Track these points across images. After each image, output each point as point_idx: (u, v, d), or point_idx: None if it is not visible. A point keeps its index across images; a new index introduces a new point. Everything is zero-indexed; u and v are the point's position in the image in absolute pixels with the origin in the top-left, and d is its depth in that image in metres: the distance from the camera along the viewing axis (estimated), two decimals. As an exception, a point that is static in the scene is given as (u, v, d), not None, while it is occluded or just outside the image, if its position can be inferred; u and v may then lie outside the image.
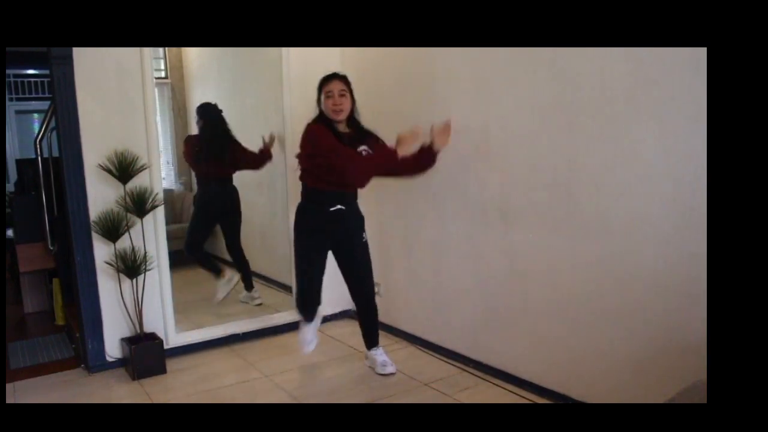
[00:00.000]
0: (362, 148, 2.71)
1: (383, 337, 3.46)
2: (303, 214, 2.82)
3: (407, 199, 3.31)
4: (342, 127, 2.73)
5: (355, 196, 2.88)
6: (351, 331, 3.64)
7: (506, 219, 2.71)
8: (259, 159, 3.86)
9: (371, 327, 3.02)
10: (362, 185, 2.79)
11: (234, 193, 4.05)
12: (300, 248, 2.85)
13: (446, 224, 3.06)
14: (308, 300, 2.93)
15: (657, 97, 2.06)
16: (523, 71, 2.54)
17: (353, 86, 2.79)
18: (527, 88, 2.53)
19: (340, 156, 2.60)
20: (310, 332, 3.00)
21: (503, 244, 2.74)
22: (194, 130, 5.44)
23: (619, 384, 2.31)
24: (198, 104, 4.13)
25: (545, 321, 2.58)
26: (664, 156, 2.06)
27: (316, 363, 3.17)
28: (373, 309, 3.00)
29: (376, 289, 3.63)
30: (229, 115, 3.97)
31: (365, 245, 2.90)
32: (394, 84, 3.29)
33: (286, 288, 3.72)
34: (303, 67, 3.53)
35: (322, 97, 2.70)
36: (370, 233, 3.64)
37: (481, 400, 2.64)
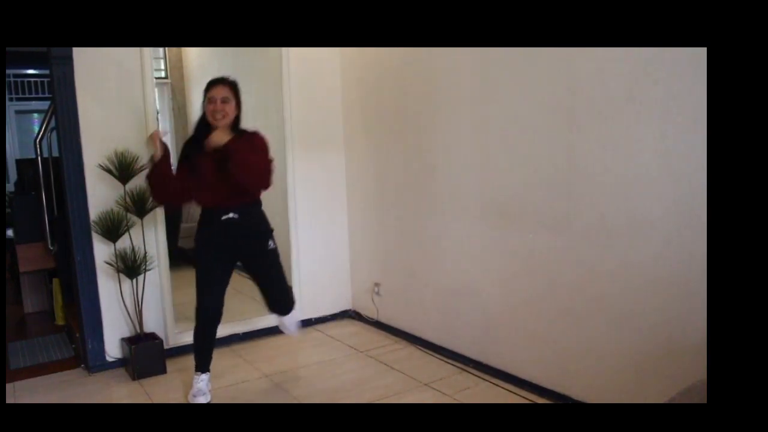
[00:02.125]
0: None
1: (384, 338, 3.47)
2: (199, 225, 2.68)
3: (407, 199, 3.31)
4: (222, 135, 2.51)
5: (252, 203, 2.67)
6: (351, 331, 3.65)
7: (506, 219, 2.71)
8: None
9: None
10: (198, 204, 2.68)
11: None
12: (199, 261, 2.66)
13: (446, 224, 3.06)
14: (206, 323, 2.66)
15: (657, 97, 2.06)
16: (524, 71, 2.54)
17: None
18: (527, 88, 2.53)
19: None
20: (204, 382, 2.70)
21: (503, 244, 2.74)
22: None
23: (619, 384, 2.31)
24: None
25: (545, 321, 2.58)
26: (664, 156, 2.06)
27: (316, 363, 3.17)
28: (287, 313, 2.93)
29: (375, 289, 3.65)
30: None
31: (273, 252, 2.72)
32: (394, 84, 3.30)
33: (286, 288, 3.72)
34: (303, 67, 3.54)
35: (204, 102, 2.58)
36: (371, 233, 3.66)
37: (481, 400, 2.64)
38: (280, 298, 2.86)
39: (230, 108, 2.56)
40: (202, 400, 2.66)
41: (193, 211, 5.23)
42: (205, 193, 2.61)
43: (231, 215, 2.59)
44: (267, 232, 2.72)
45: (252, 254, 2.71)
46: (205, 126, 2.60)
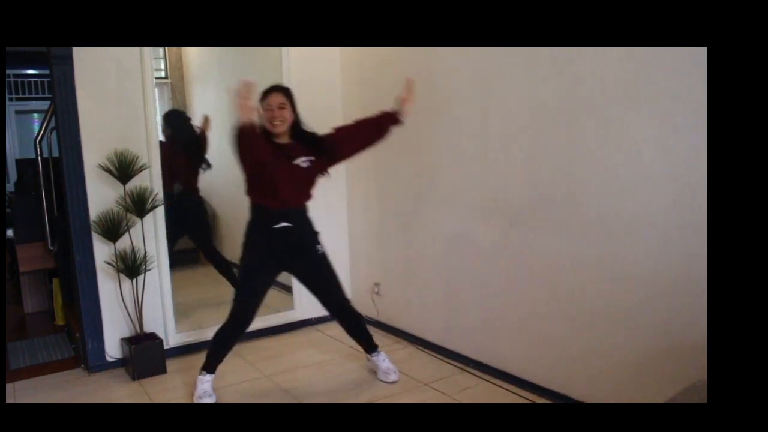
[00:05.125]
0: (302, 159, 2.58)
1: (384, 338, 3.46)
2: (250, 230, 2.67)
3: (407, 199, 3.31)
4: (283, 139, 2.60)
5: (303, 212, 2.69)
6: (351, 331, 3.65)
7: (506, 219, 2.70)
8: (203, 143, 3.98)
9: (359, 334, 2.92)
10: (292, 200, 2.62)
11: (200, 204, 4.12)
12: (244, 266, 2.67)
13: (446, 224, 3.06)
14: (237, 329, 2.69)
15: (657, 97, 2.06)
16: (523, 71, 2.54)
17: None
18: (527, 88, 2.53)
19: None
20: (209, 384, 2.72)
21: (503, 244, 2.74)
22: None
23: (619, 384, 2.31)
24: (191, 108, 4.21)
25: (545, 321, 2.58)
26: (664, 156, 2.06)
27: (316, 363, 3.17)
28: (352, 316, 2.90)
29: (375, 289, 3.65)
30: (229, 115, 3.97)
31: (323, 257, 2.74)
32: (394, 84, 3.28)
33: (286, 288, 3.72)
34: (303, 67, 3.53)
35: (261, 110, 2.56)
36: (371, 233, 3.66)
37: (481, 400, 2.64)
38: (338, 299, 2.83)
39: (287, 113, 2.57)
40: (209, 400, 2.67)
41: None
42: (271, 187, 2.57)
43: (284, 224, 2.59)
44: (315, 236, 2.74)
45: (304, 261, 2.72)
46: (265, 136, 2.58)
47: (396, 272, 3.49)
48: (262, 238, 2.63)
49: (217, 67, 5.09)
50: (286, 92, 2.60)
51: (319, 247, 2.73)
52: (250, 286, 2.65)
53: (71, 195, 2.95)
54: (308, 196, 2.69)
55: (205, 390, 2.68)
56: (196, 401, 2.67)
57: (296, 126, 2.62)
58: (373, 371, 2.97)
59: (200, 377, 2.71)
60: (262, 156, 2.50)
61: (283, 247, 2.63)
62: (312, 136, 2.64)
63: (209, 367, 2.71)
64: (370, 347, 2.93)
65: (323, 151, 2.63)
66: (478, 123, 2.79)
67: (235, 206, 4.34)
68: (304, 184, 2.64)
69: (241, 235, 2.70)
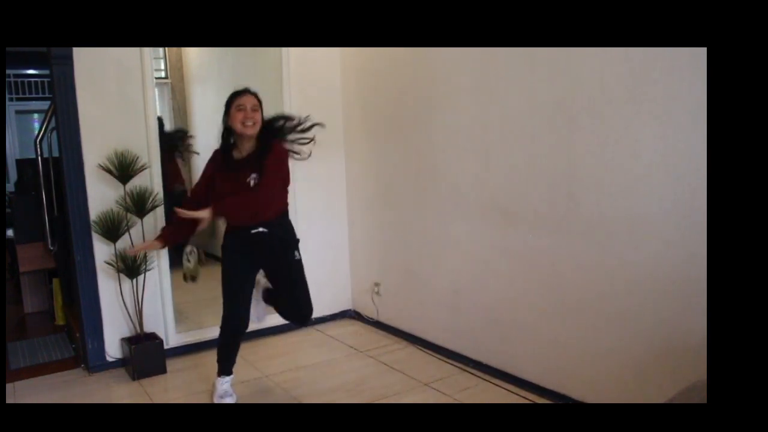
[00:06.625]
0: (252, 177, 2.51)
1: (384, 338, 3.47)
2: (227, 236, 2.66)
3: (407, 199, 3.31)
4: (248, 146, 2.55)
5: (279, 220, 2.64)
6: (351, 331, 3.65)
7: (506, 219, 2.71)
8: None
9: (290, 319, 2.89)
10: (240, 221, 2.58)
11: None
12: (226, 269, 2.65)
13: (446, 224, 3.06)
14: (235, 332, 2.68)
15: (657, 97, 2.06)
16: (523, 71, 2.54)
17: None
18: (527, 88, 2.53)
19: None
20: (228, 384, 2.73)
21: (503, 244, 2.74)
22: (194, 130, 5.46)
23: (619, 384, 2.31)
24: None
25: (545, 321, 2.58)
26: (664, 156, 2.06)
27: (316, 363, 3.17)
28: (299, 322, 2.95)
29: (375, 289, 3.65)
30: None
31: (297, 263, 2.69)
32: (394, 84, 3.30)
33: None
34: (303, 67, 3.53)
35: (231, 110, 2.51)
36: (371, 233, 3.66)
37: (481, 400, 2.64)
38: (298, 309, 2.78)
39: (259, 116, 2.54)
40: (230, 400, 2.70)
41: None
42: (232, 210, 2.55)
43: (260, 229, 2.57)
44: (293, 243, 2.70)
45: (278, 264, 2.70)
46: (229, 137, 2.58)
47: (396, 272, 3.49)
48: (236, 241, 2.62)
49: (217, 67, 5.09)
50: (257, 97, 2.57)
51: (296, 253, 2.69)
52: (232, 288, 2.64)
53: (71, 195, 2.95)
54: (278, 206, 2.62)
55: (225, 390, 2.71)
56: (216, 401, 2.69)
57: (264, 132, 2.56)
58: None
59: (219, 379, 2.72)
60: (199, 194, 2.60)
61: (258, 249, 2.61)
62: (263, 151, 2.54)
63: (224, 370, 2.72)
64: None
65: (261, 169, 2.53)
66: (478, 123, 2.79)
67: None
68: (262, 203, 2.53)
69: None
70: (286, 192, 2.66)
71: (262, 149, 2.53)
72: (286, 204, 2.69)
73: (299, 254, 2.71)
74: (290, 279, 2.69)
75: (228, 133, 2.58)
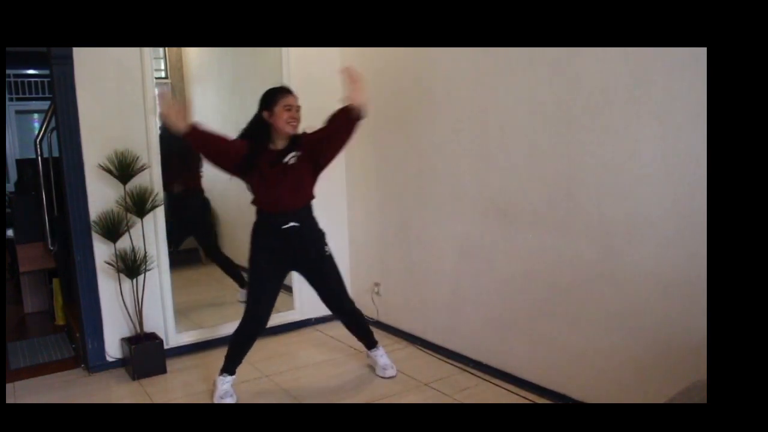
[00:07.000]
0: (291, 155, 2.58)
1: (383, 338, 3.46)
2: (256, 232, 2.68)
3: (407, 199, 3.31)
4: (281, 143, 2.61)
5: (309, 212, 2.69)
6: (351, 331, 3.65)
7: (506, 219, 2.71)
8: None
9: (361, 331, 2.96)
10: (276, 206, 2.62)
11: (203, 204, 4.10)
12: (254, 269, 2.67)
13: (446, 224, 3.06)
14: (253, 332, 2.70)
15: (657, 97, 2.06)
16: (523, 71, 2.54)
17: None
18: (527, 88, 2.53)
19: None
20: (229, 384, 2.74)
21: (503, 244, 2.74)
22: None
23: (619, 384, 2.31)
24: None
25: (545, 321, 2.58)
26: (664, 156, 2.06)
27: (316, 363, 3.17)
28: (355, 315, 2.92)
29: (375, 289, 3.65)
30: (229, 115, 3.97)
31: (329, 258, 2.74)
32: (394, 84, 3.29)
33: (287, 288, 3.72)
34: (303, 67, 3.53)
35: (278, 109, 2.55)
36: (371, 233, 3.66)
37: (481, 400, 2.64)
38: (340, 303, 2.85)
39: (300, 116, 2.60)
40: (230, 400, 2.70)
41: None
42: (269, 194, 2.60)
43: (292, 224, 2.61)
44: (322, 236, 2.74)
45: (311, 260, 2.72)
46: (266, 133, 2.59)
47: (396, 272, 3.49)
48: (269, 239, 2.64)
49: (217, 67, 5.09)
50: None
51: (326, 248, 2.74)
52: (261, 288, 2.66)
53: (71, 195, 2.95)
54: (309, 196, 2.68)
55: (226, 390, 2.71)
56: (216, 401, 2.69)
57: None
58: (372, 367, 3.00)
59: (220, 378, 2.72)
60: (229, 151, 2.57)
61: (290, 246, 2.64)
62: (295, 142, 2.62)
63: (228, 369, 2.73)
64: (371, 343, 2.98)
65: (304, 147, 2.60)
66: (478, 123, 2.79)
67: (235, 206, 4.35)
68: (300, 185, 2.63)
69: (242, 234, 2.70)
70: (314, 181, 2.68)
71: (293, 141, 2.60)
72: (314, 196, 2.71)
73: (329, 248, 2.76)
74: (324, 273, 2.75)
75: (265, 127, 2.59)
